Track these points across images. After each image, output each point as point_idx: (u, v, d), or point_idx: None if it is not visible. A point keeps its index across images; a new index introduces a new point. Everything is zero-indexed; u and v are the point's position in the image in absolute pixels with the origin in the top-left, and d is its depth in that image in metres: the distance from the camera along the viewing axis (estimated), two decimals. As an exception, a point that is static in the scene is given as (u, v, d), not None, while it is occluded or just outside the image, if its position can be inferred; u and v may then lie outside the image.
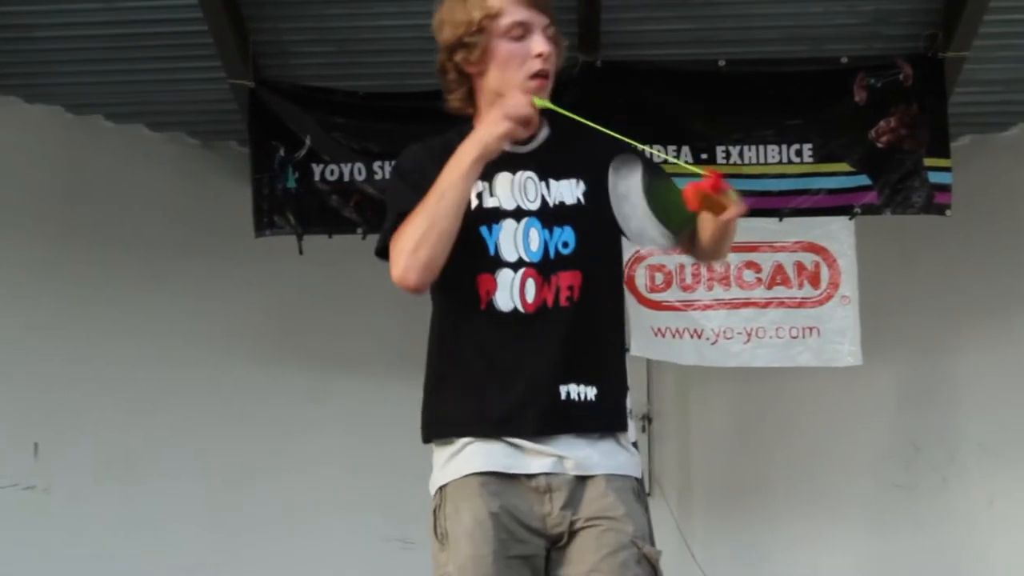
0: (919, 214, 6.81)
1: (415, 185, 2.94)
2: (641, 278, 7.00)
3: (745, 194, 7.09)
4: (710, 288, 6.95)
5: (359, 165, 7.01)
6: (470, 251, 2.93)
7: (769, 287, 6.98)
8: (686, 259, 6.94)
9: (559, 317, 2.94)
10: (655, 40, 7.10)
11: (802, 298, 7.04)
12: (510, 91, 2.96)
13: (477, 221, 2.95)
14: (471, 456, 2.93)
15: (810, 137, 6.82)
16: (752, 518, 7.52)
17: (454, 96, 3.09)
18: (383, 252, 3.01)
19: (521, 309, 2.93)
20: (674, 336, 6.98)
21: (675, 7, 6.87)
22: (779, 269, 6.99)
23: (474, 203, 2.96)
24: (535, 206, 2.98)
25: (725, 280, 6.98)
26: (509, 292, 2.94)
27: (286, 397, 7.81)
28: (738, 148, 6.84)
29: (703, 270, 6.93)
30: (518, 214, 2.97)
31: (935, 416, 7.74)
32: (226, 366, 7.80)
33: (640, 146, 3.11)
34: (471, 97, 3.07)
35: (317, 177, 7.02)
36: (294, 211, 7.02)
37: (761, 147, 6.82)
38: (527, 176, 3.01)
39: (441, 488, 2.97)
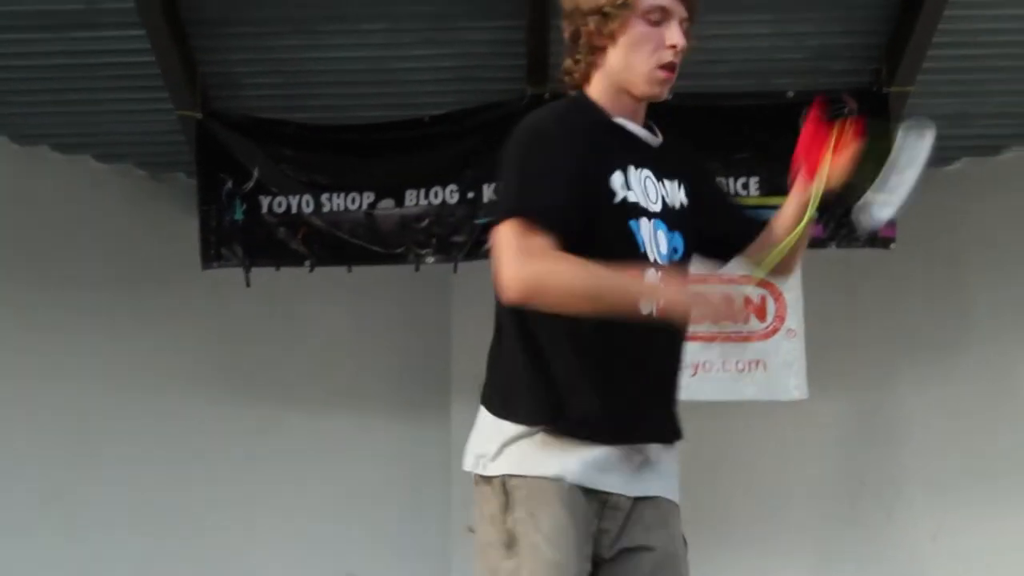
0: (864, 248, 6.80)
1: (565, 155, 2.73)
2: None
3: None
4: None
5: (307, 197, 6.94)
6: (622, 245, 2.75)
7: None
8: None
9: (675, 329, 2.81)
10: (604, 74, 7.03)
11: (748, 332, 6.99)
12: (633, 75, 2.83)
13: (626, 215, 2.77)
14: (567, 459, 2.73)
15: (756, 170, 6.80)
16: (699, 550, 7.39)
17: (573, 64, 2.89)
18: (501, 206, 2.79)
19: (655, 314, 2.71)
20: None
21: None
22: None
23: (620, 194, 2.78)
24: (658, 207, 2.83)
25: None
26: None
27: (232, 430, 7.72)
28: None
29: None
30: (649, 214, 2.81)
31: (880, 450, 7.70)
32: (172, 398, 7.70)
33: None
34: (588, 70, 2.88)
35: (265, 209, 6.95)
36: (241, 243, 6.95)
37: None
38: (646, 174, 2.85)
39: (507, 478, 2.75)
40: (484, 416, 2.88)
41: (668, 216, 2.83)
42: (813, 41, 6.83)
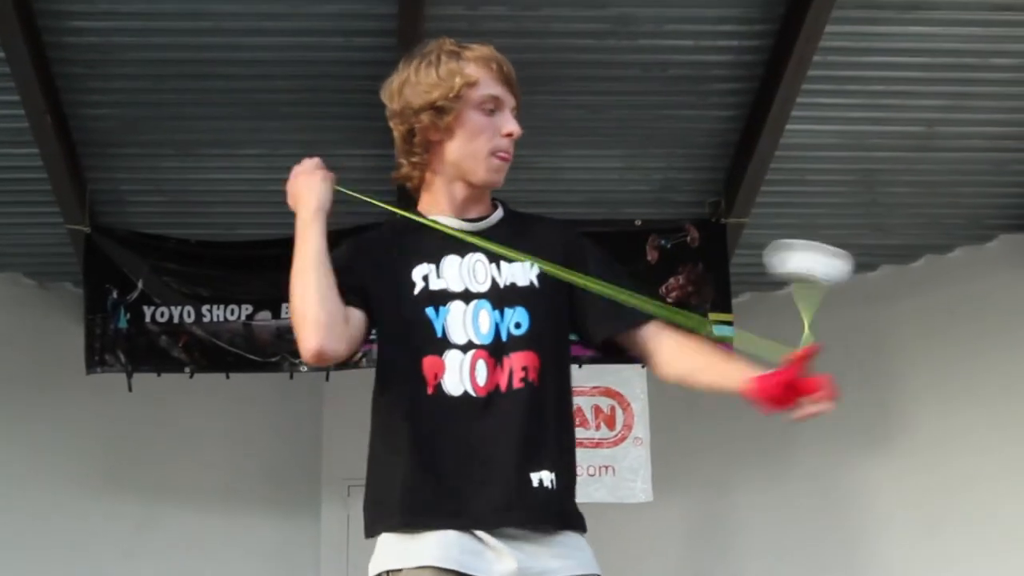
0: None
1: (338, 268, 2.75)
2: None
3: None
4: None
5: (188, 308, 6.89)
6: (416, 333, 2.66)
7: (570, 428, 6.99)
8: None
9: (515, 399, 2.62)
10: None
11: (599, 439, 7.07)
12: (472, 163, 2.74)
13: (424, 303, 2.68)
14: (430, 546, 2.56)
15: (605, 292, 6.88)
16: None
17: (411, 168, 2.82)
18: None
19: (472, 393, 2.61)
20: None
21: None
22: (579, 412, 6.98)
23: (419, 286, 2.69)
24: (485, 287, 2.70)
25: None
26: (459, 375, 2.63)
27: (112, 527, 7.60)
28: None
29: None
30: (467, 296, 2.68)
31: (719, 547, 7.78)
32: (56, 496, 7.56)
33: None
34: (424, 170, 2.80)
35: (148, 319, 6.88)
36: (125, 350, 6.86)
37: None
38: (476, 259, 2.73)
39: (389, 573, 2.59)
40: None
41: (497, 295, 2.69)
42: (659, 175, 6.98)
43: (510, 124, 2.75)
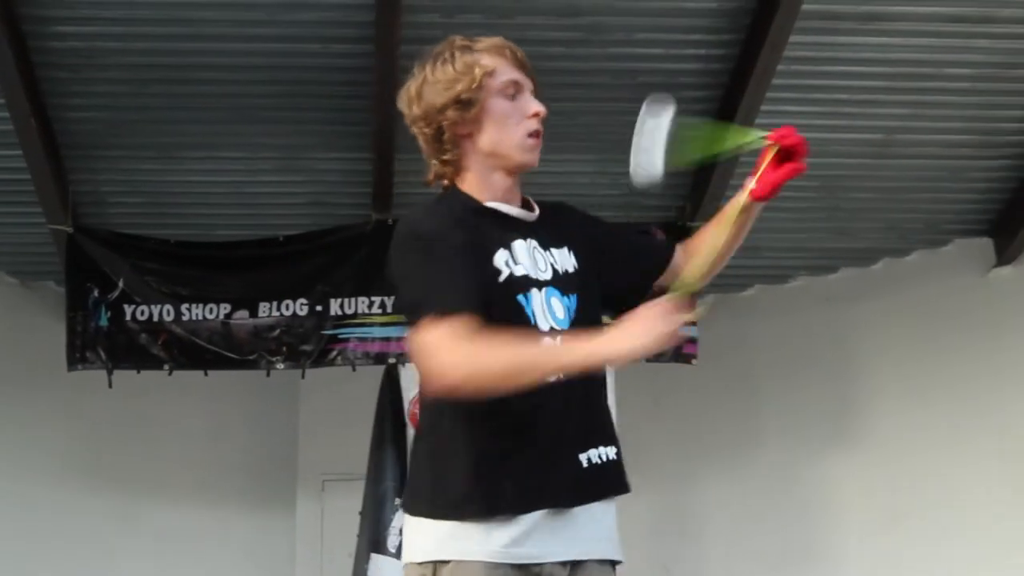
0: (670, 363, 6.92)
1: (453, 247, 2.55)
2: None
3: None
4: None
5: (168, 307, 6.89)
6: (513, 321, 2.54)
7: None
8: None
9: (581, 382, 2.56)
10: (441, 202, 7.15)
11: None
12: (507, 148, 2.68)
13: (513, 290, 2.58)
14: (494, 539, 2.49)
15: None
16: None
17: (442, 166, 2.73)
18: (416, 311, 2.50)
19: (560, 376, 2.53)
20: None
21: (459, 173, 6.96)
22: None
23: (505, 272, 2.59)
24: (549, 275, 2.65)
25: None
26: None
27: (92, 520, 7.58)
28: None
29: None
30: (539, 283, 2.62)
31: (684, 540, 7.82)
32: (35, 490, 7.55)
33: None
34: (457, 164, 2.71)
35: (128, 317, 6.87)
36: (105, 347, 6.85)
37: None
38: (533, 246, 2.67)
39: (438, 565, 2.51)
40: (411, 520, 2.62)
41: (560, 282, 2.65)
42: (627, 179, 6.93)
43: (534, 104, 2.70)
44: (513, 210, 2.71)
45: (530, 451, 2.54)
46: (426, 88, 2.69)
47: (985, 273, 7.67)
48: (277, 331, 6.88)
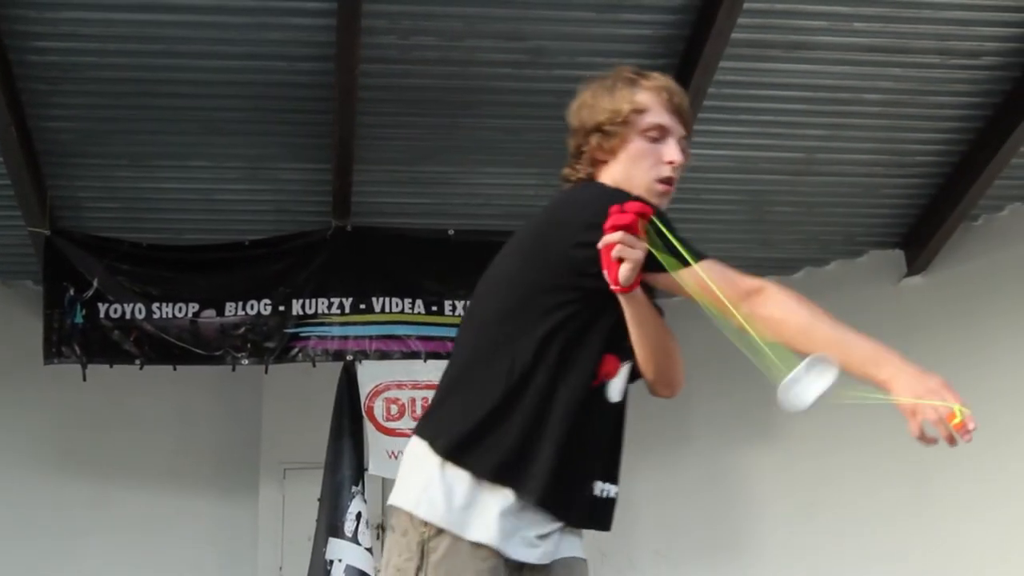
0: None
1: None
2: (379, 409, 6.94)
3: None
4: (436, 418, 6.92)
5: (140, 305, 6.85)
6: (615, 329, 2.43)
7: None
8: (418, 393, 6.95)
9: (616, 411, 2.52)
10: (397, 211, 7.18)
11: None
12: (633, 187, 2.48)
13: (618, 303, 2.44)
14: (501, 525, 2.36)
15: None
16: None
17: (571, 171, 2.63)
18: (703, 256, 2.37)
19: (614, 400, 2.49)
20: (405, 458, 6.91)
21: (414, 184, 6.97)
22: None
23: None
24: None
25: (449, 412, 6.97)
26: (620, 383, 2.50)
27: (68, 504, 7.53)
28: (462, 302, 6.90)
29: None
30: None
31: (618, 528, 7.81)
32: (13, 476, 7.50)
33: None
34: (589, 175, 2.61)
35: (102, 315, 6.82)
36: (80, 343, 6.79)
37: (482, 302, 6.87)
38: None
39: (442, 532, 2.35)
40: (425, 452, 2.42)
41: None
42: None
43: (673, 152, 2.56)
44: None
45: (576, 461, 2.43)
46: (583, 109, 2.61)
47: (897, 282, 7.74)
48: (242, 329, 6.85)
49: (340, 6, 5.44)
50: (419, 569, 2.35)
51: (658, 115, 2.56)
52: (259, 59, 6.01)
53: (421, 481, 2.39)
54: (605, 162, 2.57)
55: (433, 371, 6.95)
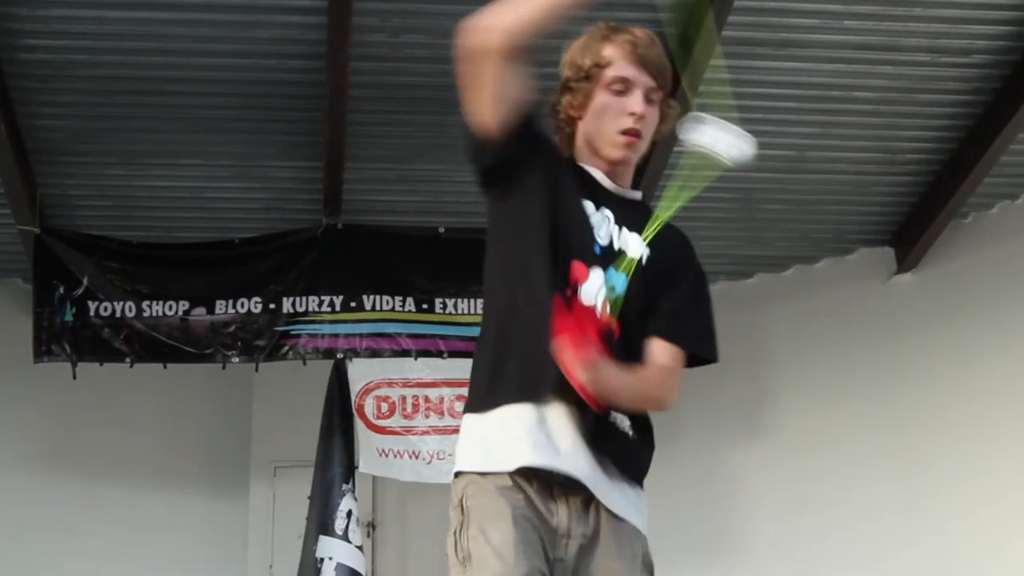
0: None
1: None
2: (369, 407, 6.91)
3: (459, 339, 7.09)
4: (427, 417, 6.90)
5: (130, 303, 6.79)
6: (576, 234, 2.45)
7: (476, 416, 6.97)
8: (408, 391, 6.93)
9: (612, 345, 2.39)
10: (388, 208, 7.15)
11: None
12: (599, 142, 2.55)
13: (589, 216, 2.48)
14: (516, 441, 2.36)
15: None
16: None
17: (558, 135, 2.63)
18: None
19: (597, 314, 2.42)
20: (396, 456, 6.88)
21: (404, 182, 6.94)
22: (449, 401, 6.96)
23: (592, 215, 2.50)
24: (604, 243, 2.50)
25: (439, 410, 6.94)
26: (595, 292, 2.43)
27: (59, 503, 7.48)
28: (453, 301, 6.87)
29: (421, 401, 6.91)
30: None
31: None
32: (4, 475, 7.45)
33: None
34: (569, 139, 2.61)
35: (92, 312, 6.77)
36: (70, 341, 6.74)
37: (473, 300, 6.84)
38: (606, 214, 2.54)
39: (465, 496, 2.39)
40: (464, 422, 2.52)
41: (609, 255, 2.50)
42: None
43: (635, 104, 2.54)
44: (602, 178, 2.58)
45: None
46: (563, 66, 2.62)
47: (887, 280, 7.71)
48: (233, 327, 6.81)
49: (331, 5, 5.41)
50: (462, 524, 2.38)
51: (621, 68, 2.55)
52: (250, 57, 5.97)
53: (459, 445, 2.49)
54: (576, 119, 2.59)
55: (423, 369, 6.92)
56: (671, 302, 2.58)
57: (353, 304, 6.83)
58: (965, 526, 7.05)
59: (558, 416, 2.39)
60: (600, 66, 2.55)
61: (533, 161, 2.47)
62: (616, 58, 2.55)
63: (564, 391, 2.34)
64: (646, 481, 2.63)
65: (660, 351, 2.53)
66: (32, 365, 6.76)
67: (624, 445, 2.48)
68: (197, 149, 6.60)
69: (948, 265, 7.54)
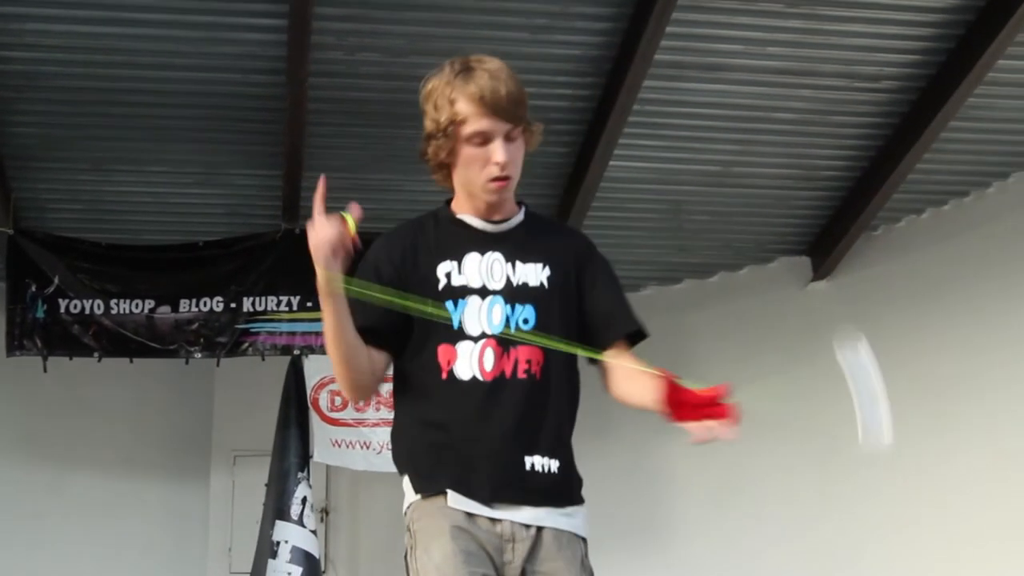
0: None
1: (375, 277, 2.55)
2: (324, 400, 6.93)
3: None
4: (377, 410, 6.91)
5: (98, 301, 6.78)
6: (435, 324, 2.49)
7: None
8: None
9: (517, 388, 2.48)
10: (343, 215, 7.12)
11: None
12: (471, 188, 2.55)
13: (444, 297, 2.51)
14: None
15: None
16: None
17: (435, 175, 2.62)
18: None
19: (480, 377, 2.46)
20: (348, 447, 6.90)
21: (358, 190, 6.88)
22: None
23: (443, 282, 2.53)
24: (500, 285, 2.53)
25: (389, 404, 6.93)
26: (469, 361, 2.47)
27: (27, 489, 7.47)
28: (403, 301, 6.89)
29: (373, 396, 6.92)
30: (483, 292, 2.52)
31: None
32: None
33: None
34: (449, 179, 2.60)
35: (62, 310, 6.75)
36: (41, 337, 6.72)
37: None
38: (495, 257, 2.56)
39: (412, 519, 2.50)
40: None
41: (510, 292, 2.53)
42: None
43: (498, 154, 2.51)
44: (480, 223, 2.60)
45: (451, 445, 2.53)
46: (423, 113, 2.59)
47: (803, 287, 7.81)
48: (196, 324, 6.81)
49: (290, 23, 5.43)
50: (411, 546, 2.48)
51: (475, 123, 2.50)
52: (214, 71, 5.97)
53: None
54: (451, 164, 2.57)
55: (375, 365, 6.94)
56: (603, 304, 2.63)
57: (309, 304, 6.84)
58: (876, 512, 7.15)
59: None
60: (456, 123, 2.51)
61: (391, 312, 2.51)
62: (469, 114, 2.50)
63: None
64: (585, 469, 2.70)
65: (626, 353, 2.64)
66: (4, 359, 6.73)
67: (546, 485, 2.53)
68: (163, 157, 6.59)
69: (860, 273, 7.65)
